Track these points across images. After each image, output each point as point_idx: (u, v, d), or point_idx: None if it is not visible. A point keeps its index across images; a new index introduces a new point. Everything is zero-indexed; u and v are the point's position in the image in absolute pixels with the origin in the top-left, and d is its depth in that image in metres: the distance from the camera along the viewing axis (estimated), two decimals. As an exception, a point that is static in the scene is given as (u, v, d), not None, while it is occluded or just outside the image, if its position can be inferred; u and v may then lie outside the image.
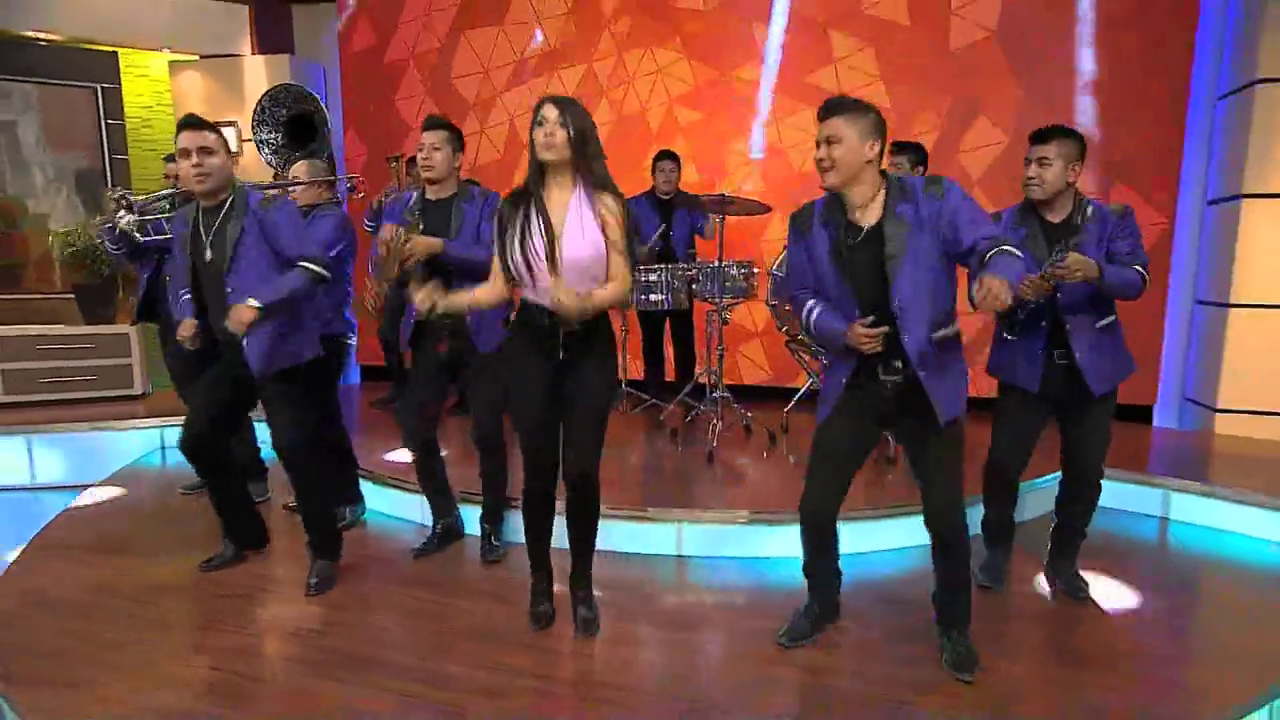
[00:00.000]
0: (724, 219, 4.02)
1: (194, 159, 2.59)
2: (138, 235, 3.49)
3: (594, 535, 2.54)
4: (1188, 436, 4.62)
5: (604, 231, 2.28)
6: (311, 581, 2.82)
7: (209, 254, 2.68)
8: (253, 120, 4.91)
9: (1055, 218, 2.54)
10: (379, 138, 6.15)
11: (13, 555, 3.27)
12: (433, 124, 2.86)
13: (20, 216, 5.65)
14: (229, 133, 6.21)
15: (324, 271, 2.71)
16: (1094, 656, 2.43)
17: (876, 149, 2.08)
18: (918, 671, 2.30)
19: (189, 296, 2.81)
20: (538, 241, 2.26)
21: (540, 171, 2.30)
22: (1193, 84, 4.64)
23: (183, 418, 4.75)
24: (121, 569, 3.07)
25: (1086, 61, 4.74)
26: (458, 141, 2.91)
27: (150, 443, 4.91)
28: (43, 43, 5.54)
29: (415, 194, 2.96)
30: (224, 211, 2.68)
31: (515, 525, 2.79)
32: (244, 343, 2.65)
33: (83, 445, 4.75)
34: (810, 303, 2.26)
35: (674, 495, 3.42)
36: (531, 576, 2.61)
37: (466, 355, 2.94)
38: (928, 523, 2.25)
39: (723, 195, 3.89)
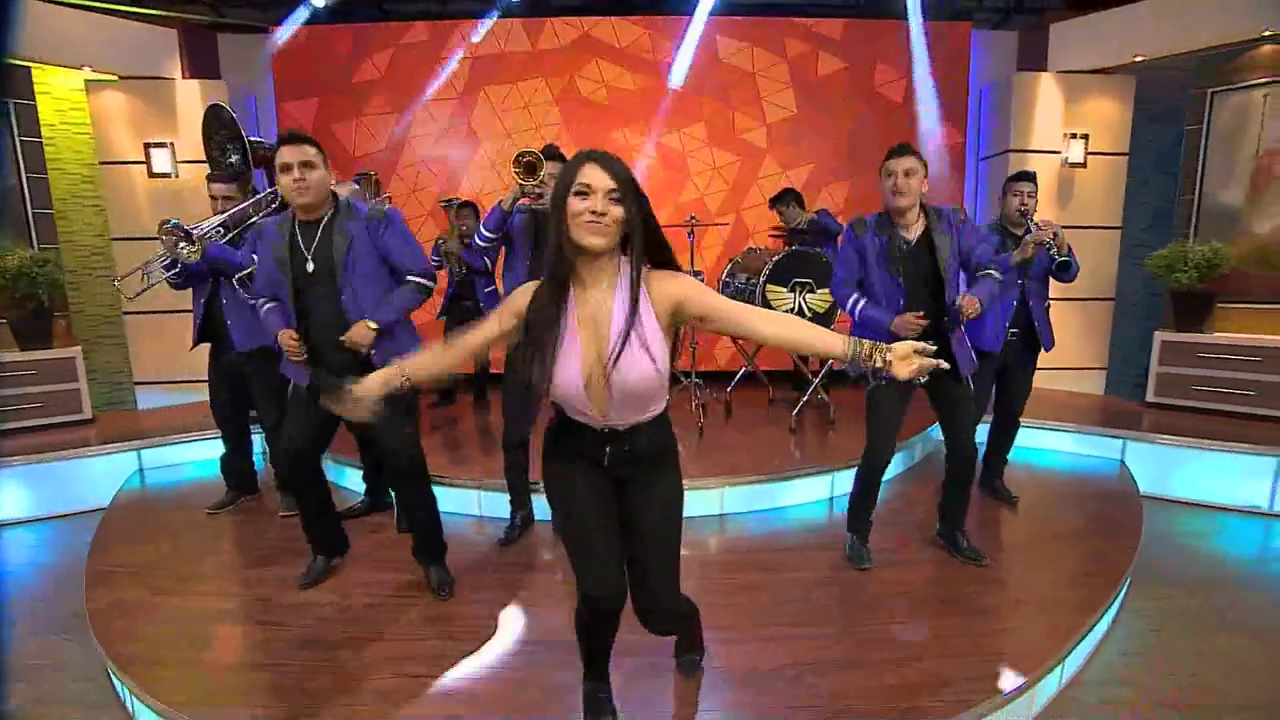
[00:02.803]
0: (693, 235, 4.05)
1: (296, 173, 2.10)
2: (194, 260, 2.70)
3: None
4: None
5: (698, 305, 1.35)
6: (439, 589, 2.40)
7: (311, 265, 2.18)
8: (212, 145, 3.58)
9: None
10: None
11: None
12: (552, 153, 2.52)
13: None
14: (163, 154, 5.03)
15: (431, 284, 2.33)
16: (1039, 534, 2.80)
17: (926, 185, 2.28)
18: (947, 571, 2.50)
19: (272, 306, 2.28)
20: (574, 363, 1.35)
21: (572, 259, 1.34)
22: (966, 154, 5.41)
23: (157, 438, 3.91)
24: (233, 596, 2.45)
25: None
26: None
27: (128, 466, 3.89)
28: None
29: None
30: (324, 223, 2.20)
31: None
32: (372, 356, 2.21)
33: (44, 475, 3.63)
34: (854, 295, 2.38)
35: (709, 464, 3.28)
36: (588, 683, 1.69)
37: None
38: (953, 448, 2.44)
39: (692, 217, 4.04)
